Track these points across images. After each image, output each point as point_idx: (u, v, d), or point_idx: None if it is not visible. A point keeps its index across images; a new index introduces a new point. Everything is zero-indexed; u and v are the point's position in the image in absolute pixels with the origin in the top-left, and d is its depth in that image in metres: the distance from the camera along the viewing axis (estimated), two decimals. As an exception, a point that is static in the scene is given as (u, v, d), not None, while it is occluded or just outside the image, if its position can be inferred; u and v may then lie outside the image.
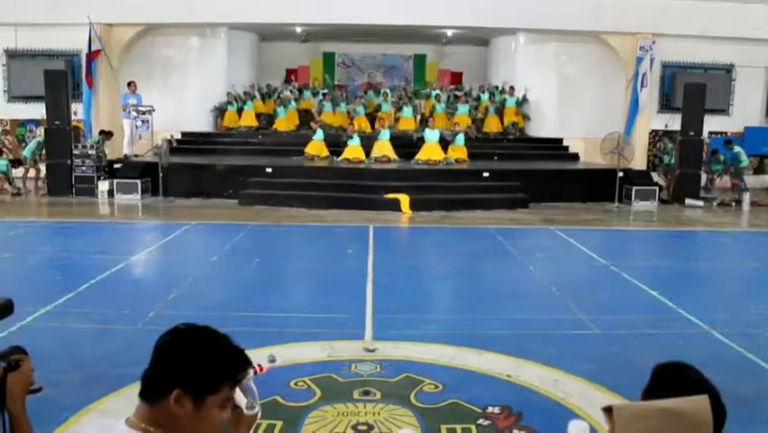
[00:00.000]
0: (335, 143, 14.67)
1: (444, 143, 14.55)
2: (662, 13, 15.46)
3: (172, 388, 1.41)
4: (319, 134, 14.63)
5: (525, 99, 17.16)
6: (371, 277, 7.25)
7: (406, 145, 14.88)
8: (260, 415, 1.75)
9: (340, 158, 14.16)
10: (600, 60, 16.65)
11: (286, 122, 16.93)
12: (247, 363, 1.52)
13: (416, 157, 14.28)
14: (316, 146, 14.56)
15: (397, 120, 16.58)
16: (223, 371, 1.46)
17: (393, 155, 14.31)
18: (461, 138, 14.61)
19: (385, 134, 14.47)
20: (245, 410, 1.68)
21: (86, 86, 15.09)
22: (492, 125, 17.03)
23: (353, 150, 14.14)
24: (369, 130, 15.62)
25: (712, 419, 1.39)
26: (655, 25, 15.68)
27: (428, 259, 8.97)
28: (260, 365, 1.95)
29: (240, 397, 1.66)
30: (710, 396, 1.47)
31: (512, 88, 17.34)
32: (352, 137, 14.28)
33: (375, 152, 14.24)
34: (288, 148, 15.28)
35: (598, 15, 15.52)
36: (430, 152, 14.19)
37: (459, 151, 14.50)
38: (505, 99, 17.13)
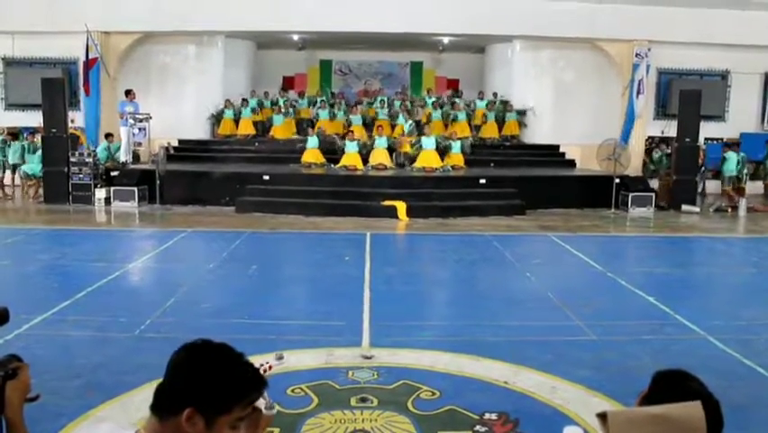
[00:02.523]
0: (332, 150, 14.71)
1: (441, 151, 14.54)
2: (657, 20, 15.55)
3: (185, 406, 1.40)
4: (313, 141, 14.63)
5: (506, 108, 17.27)
6: (369, 284, 7.26)
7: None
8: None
9: (337, 165, 14.20)
10: (596, 67, 16.73)
11: (282, 129, 16.96)
12: (262, 384, 1.51)
13: (414, 164, 14.29)
14: (313, 154, 14.59)
15: (393, 128, 16.60)
16: (237, 392, 1.45)
17: (390, 163, 14.33)
18: (457, 145, 14.63)
19: (382, 142, 14.47)
20: (264, 411, 1.68)
21: (85, 93, 15.12)
22: (489, 132, 17.09)
23: (350, 157, 14.16)
24: (365, 138, 15.64)
25: (706, 427, 1.39)
26: (651, 32, 15.77)
27: (425, 266, 8.97)
28: (268, 363, 1.96)
29: None
30: (710, 406, 1.46)
31: (481, 93, 17.42)
32: (348, 144, 14.31)
33: (372, 160, 14.26)
34: (285, 156, 15.29)
35: (594, 22, 15.61)
36: (427, 159, 14.20)
37: (456, 158, 14.52)
38: (503, 107, 17.25)
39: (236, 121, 17.12)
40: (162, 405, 1.44)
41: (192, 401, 1.40)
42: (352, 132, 15.24)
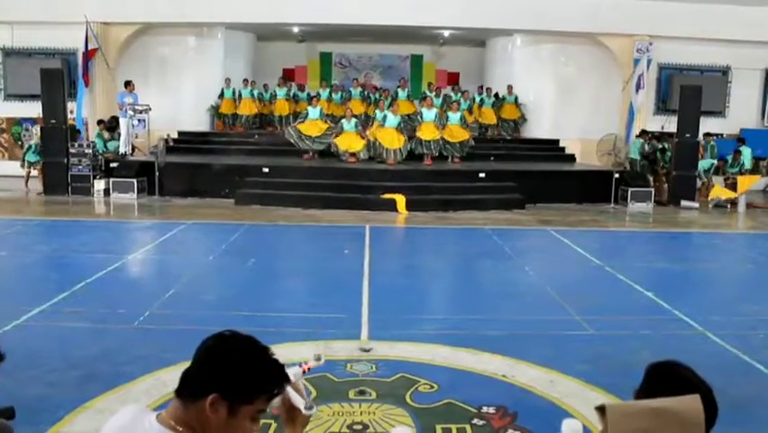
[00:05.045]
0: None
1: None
2: (658, 15, 15.51)
3: (210, 392, 1.44)
4: (314, 113, 14.24)
5: (503, 99, 17.24)
6: (368, 277, 7.26)
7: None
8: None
9: (335, 140, 13.93)
10: (597, 62, 16.69)
11: (283, 106, 16.94)
12: (285, 379, 1.56)
13: (417, 134, 14.08)
14: (315, 125, 14.22)
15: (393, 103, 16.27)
16: (262, 383, 1.50)
17: (400, 143, 13.81)
18: (455, 117, 14.37)
19: (394, 121, 13.86)
20: (304, 411, 1.72)
21: (80, 84, 15.10)
22: (487, 118, 17.02)
23: (348, 137, 13.94)
24: (361, 112, 15.42)
25: (704, 417, 1.40)
26: (652, 27, 15.73)
27: (424, 259, 8.97)
28: (307, 364, 2.01)
29: (295, 397, 1.71)
30: (703, 393, 1.48)
31: (489, 90, 17.44)
32: (344, 124, 14.04)
33: (388, 143, 13.75)
34: (284, 148, 15.24)
35: (595, 17, 15.57)
36: (427, 131, 14.02)
37: (455, 129, 14.25)
38: (504, 98, 17.21)
39: (236, 103, 17.05)
40: (187, 390, 1.49)
41: (218, 388, 1.45)
42: (350, 109, 15.02)
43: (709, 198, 13.99)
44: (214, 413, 1.44)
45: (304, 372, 1.94)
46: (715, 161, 14.93)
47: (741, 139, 14.98)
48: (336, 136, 14.09)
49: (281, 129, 16.99)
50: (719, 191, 13.98)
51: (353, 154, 13.93)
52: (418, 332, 5.40)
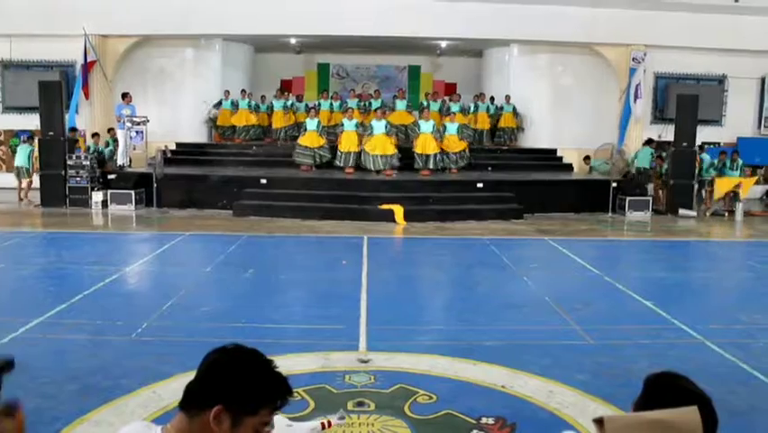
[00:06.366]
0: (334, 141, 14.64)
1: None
2: (654, 25, 15.59)
3: (214, 403, 1.45)
4: (312, 124, 14.39)
5: (501, 108, 17.27)
6: (366, 288, 7.25)
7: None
8: None
9: (339, 146, 14.06)
10: (594, 71, 16.75)
11: (281, 119, 16.99)
12: (290, 391, 1.56)
13: (414, 149, 14.14)
14: (310, 138, 14.34)
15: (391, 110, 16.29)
16: (266, 395, 1.50)
17: (392, 149, 13.88)
18: (453, 127, 14.39)
19: (380, 127, 13.92)
20: (336, 421, 1.75)
21: (75, 93, 15.14)
22: (483, 123, 17.04)
23: (348, 136, 13.99)
24: (361, 118, 15.50)
25: (702, 429, 1.39)
26: (648, 36, 15.81)
27: (422, 270, 8.97)
28: (328, 421, 2.08)
29: None
30: (703, 404, 1.47)
31: (482, 95, 17.47)
32: (345, 123, 14.12)
33: (371, 149, 13.82)
34: (282, 159, 15.27)
35: (592, 27, 15.65)
36: (424, 144, 14.05)
37: (452, 140, 14.27)
38: (502, 108, 17.24)
39: (235, 110, 17.08)
40: (191, 402, 1.50)
41: (222, 400, 1.45)
42: (351, 110, 15.10)
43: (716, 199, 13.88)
44: (217, 425, 1.45)
45: (323, 427, 2.00)
46: (714, 160, 14.86)
47: (701, 147, 15.00)
48: (337, 137, 14.27)
49: (279, 140, 17.06)
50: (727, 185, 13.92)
51: (352, 167, 14.01)
52: (417, 343, 5.39)
